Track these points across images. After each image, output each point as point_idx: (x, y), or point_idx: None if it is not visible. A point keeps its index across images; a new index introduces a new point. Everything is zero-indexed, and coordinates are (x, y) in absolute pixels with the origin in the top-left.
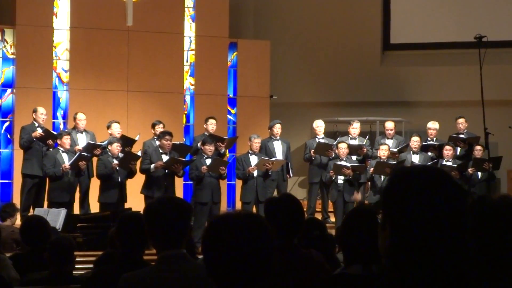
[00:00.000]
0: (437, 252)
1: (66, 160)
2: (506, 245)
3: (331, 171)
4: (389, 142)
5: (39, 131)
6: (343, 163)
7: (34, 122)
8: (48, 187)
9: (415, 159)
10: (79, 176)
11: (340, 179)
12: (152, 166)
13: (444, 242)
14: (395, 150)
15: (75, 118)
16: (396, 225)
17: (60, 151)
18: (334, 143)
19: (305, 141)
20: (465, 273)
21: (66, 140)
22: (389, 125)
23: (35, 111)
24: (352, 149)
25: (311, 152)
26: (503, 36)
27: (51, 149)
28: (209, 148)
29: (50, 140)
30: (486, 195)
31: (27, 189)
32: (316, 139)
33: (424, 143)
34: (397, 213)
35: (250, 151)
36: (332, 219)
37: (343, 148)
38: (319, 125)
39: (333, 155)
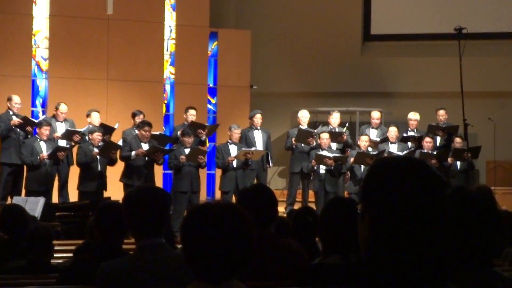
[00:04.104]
0: (416, 243)
1: (44, 150)
2: (483, 236)
3: (313, 161)
4: (374, 132)
5: (16, 119)
6: (324, 153)
7: (9, 110)
8: (25, 176)
9: (393, 149)
10: (57, 165)
11: (322, 169)
12: (133, 153)
13: (423, 233)
14: (378, 139)
15: (57, 109)
16: (375, 215)
17: (38, 140)
18: (315, 131)
19: (284, 131)
20: (444, 263)
21: (45, 131)
22: (375, 114)
23: (9, 99)
24: (332, 136)
25: (293, 140)
26: (482, 28)
27: (29, 136)
28: (188, 140)
29: (29, 126)
30: (464, 186)
31: (5, 178)
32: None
33: (404, 134)
34: (376, 203)
35: (229, 141)
36: None
37: (325, 138)
38: (304, 115)
39: (314, 144)
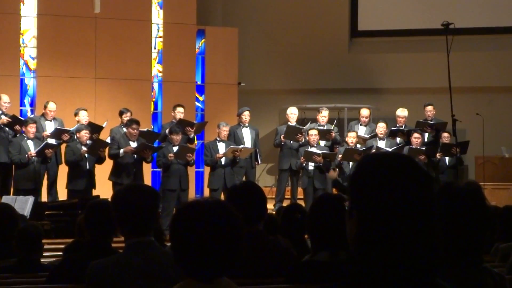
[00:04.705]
0: (404, 239)
1: (32, 147)
2: (473, 232)
3: (302, 158)
4: (362, 129)
5: (5, 118)
6: (313, 149)
7: None
8: (14, 174)
9: (381, 145)
10: (45, 163)
11: (311, 166)
12: (122, 150)
13: (411, 229)
14: (367, 136)
15: (45, 107)
16: (362, 212)
17: (25, 138)
18: (304, 128)
19: (272, 128)
20: (433, 260)
21: (31, 129)
22: (365, 112)
23: None
24: (321, 134)
25: (281, 137)
26: (470, 23)
27: (17, 135)
28: (176, 138)
29: (17, 125)
30: (453, 182)
31: None
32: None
33: (393, 128)
34: (364, 200)
35: (218, 138)
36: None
37: (313, 135)
38: (293, 112)
39: (303, 140)
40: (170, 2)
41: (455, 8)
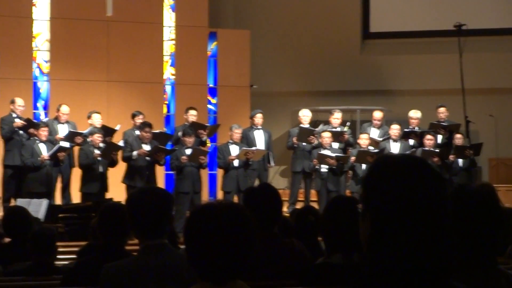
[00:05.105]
0: (417, 241)
1: (44, 151)
2: (486, 234)
3: (315, 160)
4: (375, 131)
5: (20, 121)
6: (326, 152)
7: (12, 112)
8: (26, 177)
9: (395, 147)
10: (57, 166)
11: (324, 168)
12: (135, 153)
13: (424, 231)
14: (380, 139)
15: (58, 110)
16: (376, 214)
17: (37, 142)
18: (317, 129)
19: (285, 130)
20: (446, 261)
21: (43, 132)
22: (377, 114)
23: (12, 102)
24: (334, 136)
25: (294, 139)
26: (482, 24)
27: (31, 139)
28: (189, 140)
29: (32, 129)
30: (467, 184)
31: (8, 180)
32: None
33: (405, 130)
34: (377, 202)
35: (230, 141)
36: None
37: (326, 137)
38: (305, 114)
39: (316, 142)
40: (182, 4)
41: (467, 9)
